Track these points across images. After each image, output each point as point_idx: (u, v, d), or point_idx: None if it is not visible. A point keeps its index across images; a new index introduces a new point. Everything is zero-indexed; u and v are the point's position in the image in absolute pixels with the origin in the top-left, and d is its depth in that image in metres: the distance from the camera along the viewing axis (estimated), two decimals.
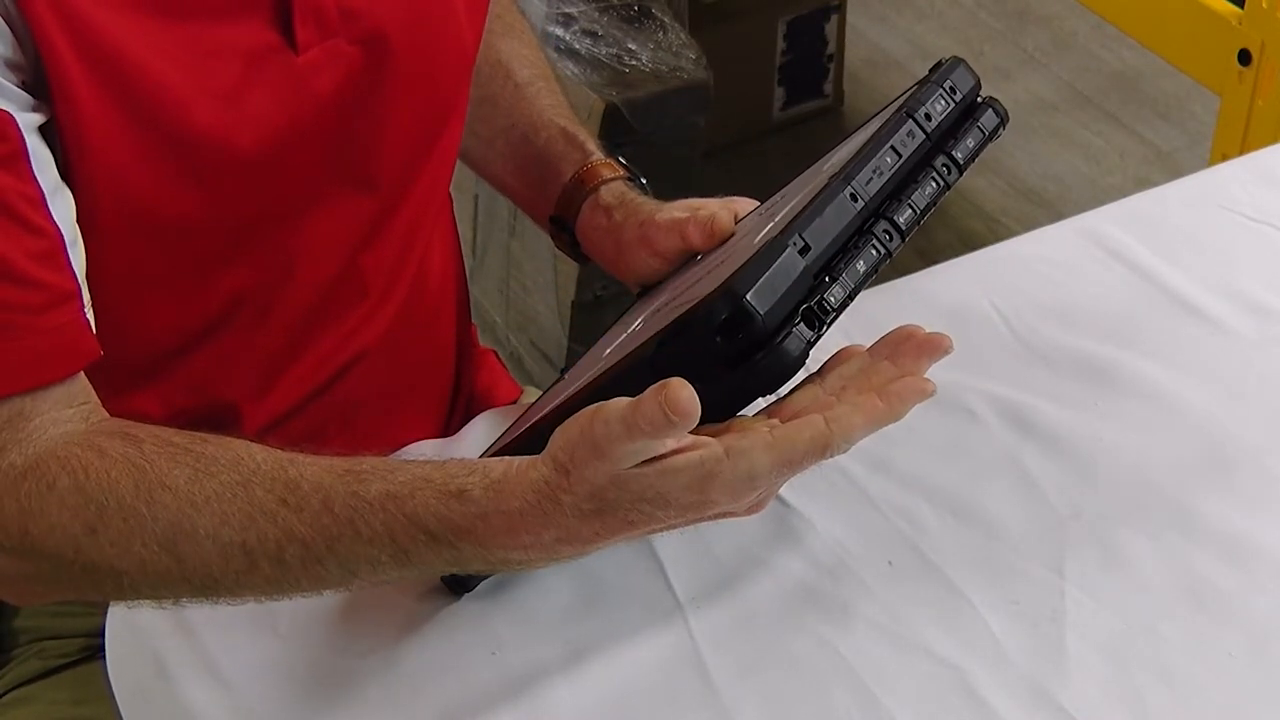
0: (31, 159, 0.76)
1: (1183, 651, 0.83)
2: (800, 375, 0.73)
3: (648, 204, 0.99)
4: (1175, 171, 2.23)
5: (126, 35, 0.79)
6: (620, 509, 0.69)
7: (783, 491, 0.91)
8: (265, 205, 0.89)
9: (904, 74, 2.67)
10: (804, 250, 0.72)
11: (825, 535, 0.89)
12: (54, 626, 1.01)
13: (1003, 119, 0.83)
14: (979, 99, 0.83)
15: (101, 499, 0.74)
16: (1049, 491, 0.92)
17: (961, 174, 0.80)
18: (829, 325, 0.73)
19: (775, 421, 0.71)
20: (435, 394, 1.10)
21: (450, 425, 1.11)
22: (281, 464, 0.75)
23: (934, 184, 0.79)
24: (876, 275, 0.76)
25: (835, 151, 0.86)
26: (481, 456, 0.88)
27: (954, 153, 0.80)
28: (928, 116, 0.80)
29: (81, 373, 0.80)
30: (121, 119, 0.80)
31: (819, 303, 0.72)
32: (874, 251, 0.75)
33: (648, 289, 0.98)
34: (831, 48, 2.55)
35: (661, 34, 1.96)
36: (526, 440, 0.83)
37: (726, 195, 0.96)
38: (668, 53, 1.94)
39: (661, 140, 1.93)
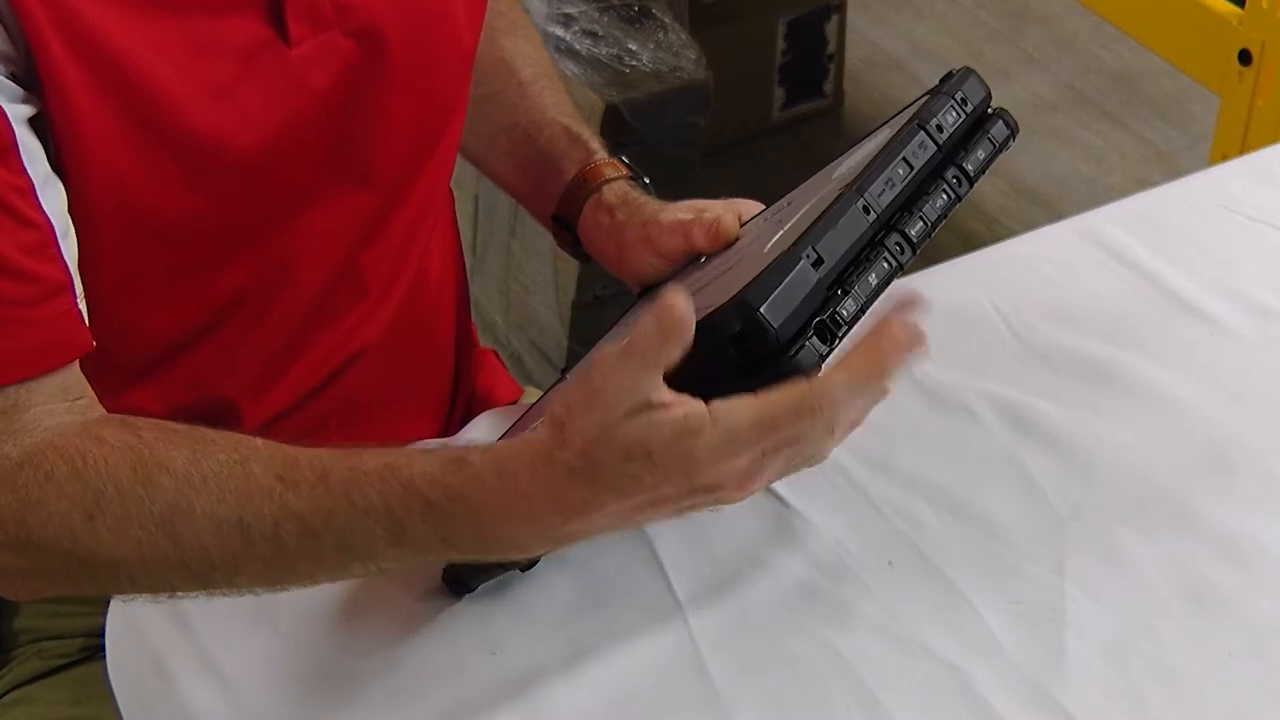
0: (21, 151, 0.76)
1: (1183, 651, 0.83)
2: None
3: (651, 204, 0.99)
4: (1175, 171, 2.23)
5: (117, 30, 0.79)
6: (609, 468, 0.68)
7: (783, 491, 0.91)
8: (262, 201, 0.89)
9: (904, 74, 2.67)
10: (817, 263, 0.73)
11: (825, 535, 0.89)
12: (54, 627, 1.01)
13: (1013, 130, 0.83)
14: (989, 110, 0.83)
15: (100, 485, 0.74)
16: (1049, 491, 0.92)
17: (972, 186, 0.80)
18: (841, 339, 0.73)
19: None
20: (435, 393, 1.10)
21: (450, 425, 1.11)
22: (281, 445, 0.75)
23: (945, 196, 0.79)
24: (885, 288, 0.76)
25: (843, 159, 0.86)
26: None
27: (965, 164, 0.80)
28: (939, 128, 0.80)
29: (76, 366, 0.80)
30: (113, 113, 0.80)
31: (832, 316, 0.72)
32: (885, 264, 0.75)
33: (649, 289, 0.98)
34: (831, 48, 2.55)
35: (661, 34, 1.96)
36: None
37: (727, 195, 0.96)
38: (668, 53, 1.94)
39: (661, 140, 1.93)
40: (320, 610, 0.85)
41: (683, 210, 0.95)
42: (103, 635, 0.86)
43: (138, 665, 0.84)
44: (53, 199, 0.78)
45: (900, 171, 0.77)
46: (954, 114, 0.80)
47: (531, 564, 0.85)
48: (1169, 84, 2.63)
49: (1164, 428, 0.96)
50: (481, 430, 0.99)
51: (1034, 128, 2.58)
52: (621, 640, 0.83)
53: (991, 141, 0.82)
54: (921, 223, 0.77)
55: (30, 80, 0.77)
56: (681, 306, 0.66)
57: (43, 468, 0.75)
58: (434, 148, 0.98)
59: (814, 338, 0.71)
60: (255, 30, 0.84)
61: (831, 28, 2.53)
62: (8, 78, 0.76)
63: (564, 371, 0.99)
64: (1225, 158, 1.68)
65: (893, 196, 0.77)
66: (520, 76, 1.08)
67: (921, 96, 0.83)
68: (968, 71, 0.83)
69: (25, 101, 0.77)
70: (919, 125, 0.79)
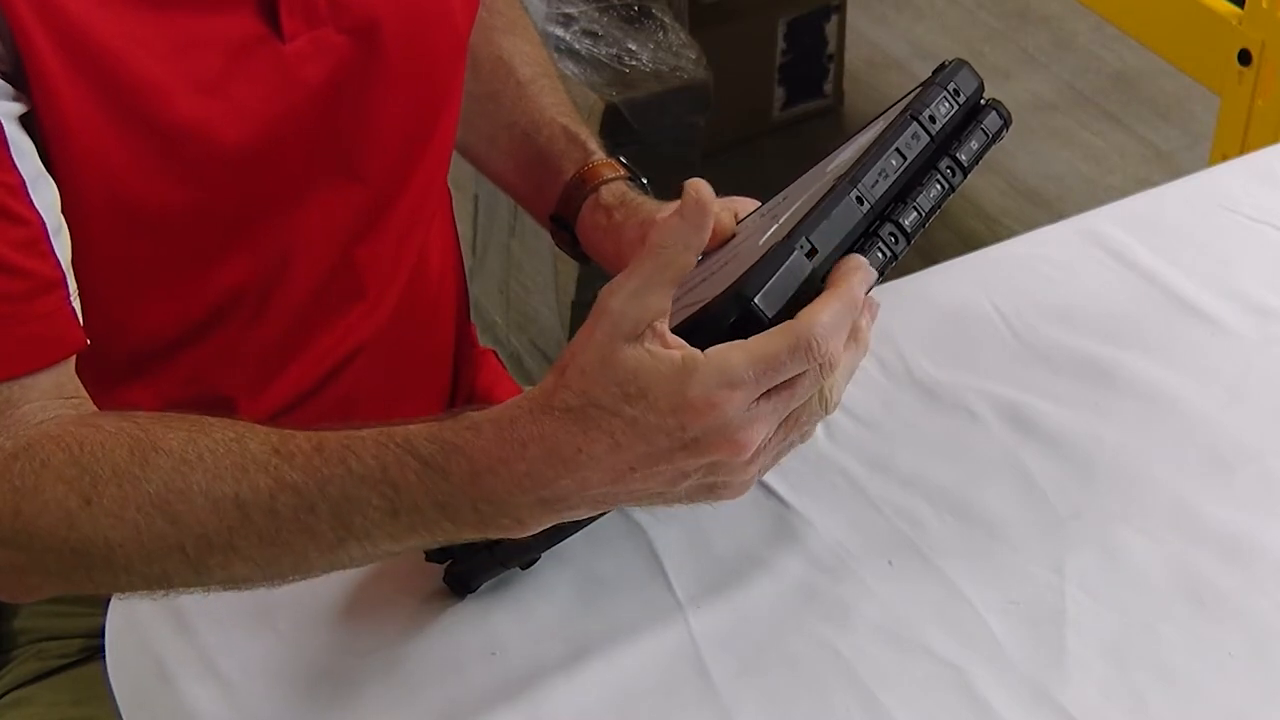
0: (11, 148, 0.76)
1: (1183, 651, 0.83)
2: None
3: (648, 204, 0.99)
4: (1175, 171, 2.23)
5: (105, 26, 0.79)
6: (605, 408, 0.67)
7: (783, 491, 0.91)
8: (254, 196, 0.89)
9: (904, 74, 2.67)
10: (811, 253, 0.73)
11: (825, 535, 0.89)
12: (53, 627, 1.01)
13: (1006, 121, 0.83)
14: (982, 101, 0.83)
15: (96, 468, 0.73)
16: (1049, 491, 0.92)
17: (966, 176, 0.81)
18: None
19: None
20: (433, 393, 1.10)
21: None
22: (274, 426, 0.75)
23: (938, 186, 0.79)
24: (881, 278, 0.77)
25: (837, 153, 0.86)
26: None
27: (958, 155, 0.80)
28: (932, 119, 0.80)
29: (70, 365, 0.80)
30: (101, 110, 0.80)
31: None
32: (879, 255, 0.75)
33: None
34: (831, 48, 2.55)
35: (661, 34, 1.96)
36: None
37: (726, 195, 0.96)
38: (668, 53, 1.94)
39: (661, 140, 1.93)
40: (320, 611, 0.85)
41: None
42: (103, 636, 0.86)
43: (138, 666, 0.84)
44: (45, 196, 0.78)
45: (893, 162, 0.78)
46: (947, 105, 0.81)
47: (531, 562, 0.85)
48: (1169, 84, 2.63)
49: (1164, 428, 0.96)
50: None
51: (1034, 128, 2.58)
52: (621, 640, 0.83)
53: (985, 132, 0.82)
54: (915, 213, 0.77)
55: (18, 78, 0.77)
56: (705, 189, 0.66)
57: (38, 456, 0.74)
58: (428, 140, 0.98)
59: None
60: (248, 26, 0.84)
61: (831, 28, 2.53)
62: None
63: None
64: (1225, 158, 1.68)
65: (886, 187, 0.77)
66: (519, 76, 1.08)
67: (915, 89, 0.84)
68: (960, 63, 0.83)
69: (14, 99, 0.77)
70: (912, 116, 0.80)
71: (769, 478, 0.92)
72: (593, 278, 1.91)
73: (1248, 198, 1.15)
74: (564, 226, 1.04)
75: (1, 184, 0.76)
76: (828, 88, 2.59)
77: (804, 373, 0.69)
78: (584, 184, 1.02)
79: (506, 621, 0.84)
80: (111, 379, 0.90)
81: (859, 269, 0.71)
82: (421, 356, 1.08)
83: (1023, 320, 1.04)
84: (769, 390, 0.68)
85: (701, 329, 0.71)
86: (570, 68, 1.90)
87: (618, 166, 1.03)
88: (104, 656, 0.86)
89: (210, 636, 0.84)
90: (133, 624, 0.85)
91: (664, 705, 0.80)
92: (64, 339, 0.79)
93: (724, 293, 0.71)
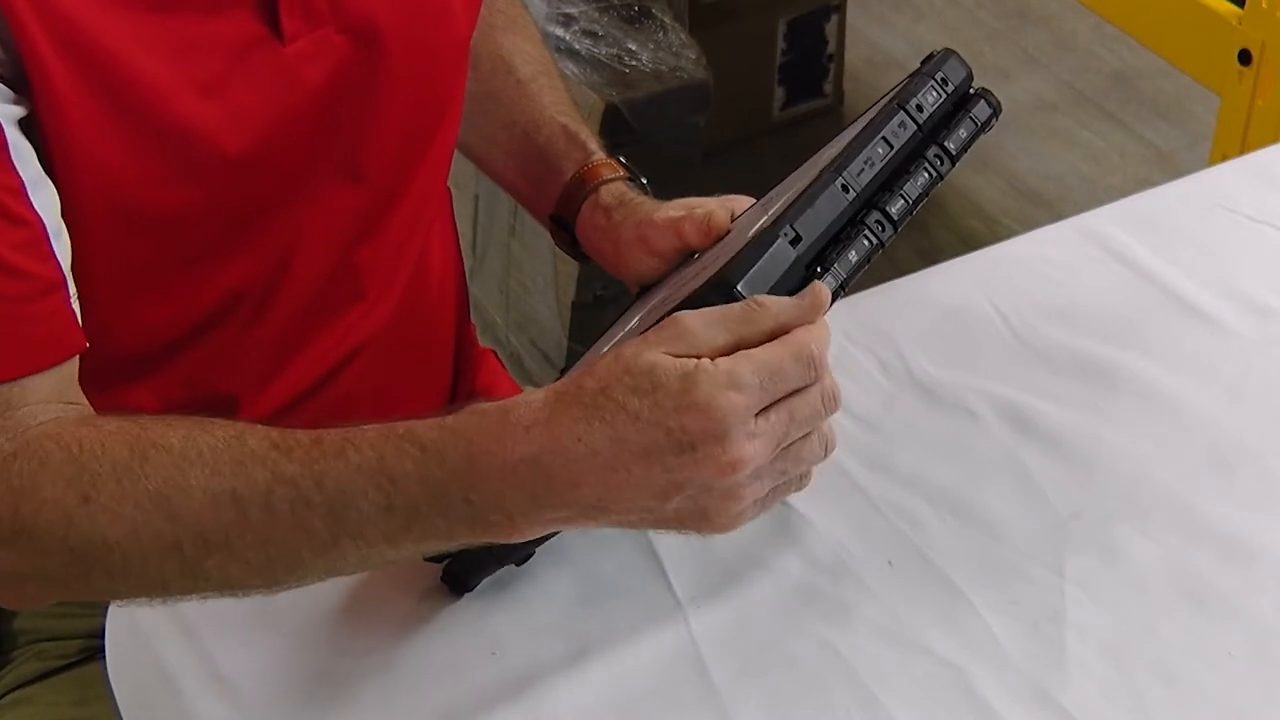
0: (12, 150, 0.76)
1: (1183, 651, 0.83)
2: None
3: (646, 204, 0.99)
4: (1175, 171, 2.23)
5: (106, 27, 0.79)
6: (614, 399, 0.68)
7: None
8: (255, 198, 0.89)
9: (903, 74, 2.65)
10: (795, 240, 0.73)
11: (825, 535, 0.89)
12: (53, 627, 1.01)
13: (995, 109, 0.83)
14: (971, 90, 0.83)
15: (95, 466, 0.73)
16: (1049, 491, 0.92)
17: (954, 164, 0.81)
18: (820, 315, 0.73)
19: None
20: (434, 393, 1.10)
21: None
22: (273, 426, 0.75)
23: (926, 174, 0.79)
24: (871, 268, 0.77)
25: (830, 146, 0.86)
26: None
27: (946, 143, 0.80)
28: (919, 108, 0.80)
29: (72, 367, 0.80)
30: (103, 112, 0.80)
31: None
32: (866, 242, 0.76)
33: (647, 288, 0.98)
34: (831, 48, 2.55)
35: (661, 34, 1.96)
36: None
37: (725, 195, 0.96)
38: (668, 53, 1.94)
39: (661, 140, 1.93)
40: (320, 611, 0.85)
41: (675, 208, 0.95)
42: (103, 636, 0.86)
43: (138, 666, 0.84)
44: (44, 198, 0.78)
45: (880, 151, 0.78)
46: (934, 94, 0.81)
47: (526, 558, 0.85)
48: (1169, 84, 2.63)
49: (1164, 428, 0.96)
50: None
51: (1034, 128, 2.58)
52: (621, 640, 0.83)
53: (974, 120, 0.82)
54: (902, 200, 0.78)
55: (19, 81, 0.77)
56: (825, 295, 0.70)
57: (37, 455, 0.74)
58: (430, 142, 0.98)
59: None
60: (249, 27, 0.84)
61: (831, 28, 2.53)
62: None
63: (563, 372, 0.99)
64: (1225, 158, 1.68)
65: (872, 175, 0.77)
66: (519, 75, 1.08)
67: (903, 80, 0.84)
68: (948, 52, 0.83)
69: (15, 103, 0.77)
70: (899, 105, 0.80)
71: None
72: (592, 278, 1.92)
73: (1248, 198, 1.14)
74: (564, 226, 1.04)
75: (2, 186, 0.76)
76: (828, 88, 2.59)
77: (804, 392, 0.70)
78: (584, 184, 1.02)
79: (506, 621, 0.84)
80: (112, 379, 0.90)
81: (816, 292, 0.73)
82: (422, 356, 1.08)
83: (1023, 320, 1.04)
84: (770, 406, 0.69)
85: None
86: (570, 68, 1.90)
87: (617, 167, 1.03)
88: (104, 657, 0.86)
89: (210, 636, 0.84)
90: (133, 624, 0.85)
91: (664, 705, 0.80)
92: (64, 341, 0.79)
93: (708, 280, 0.72)
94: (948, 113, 0.82)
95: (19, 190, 0.76)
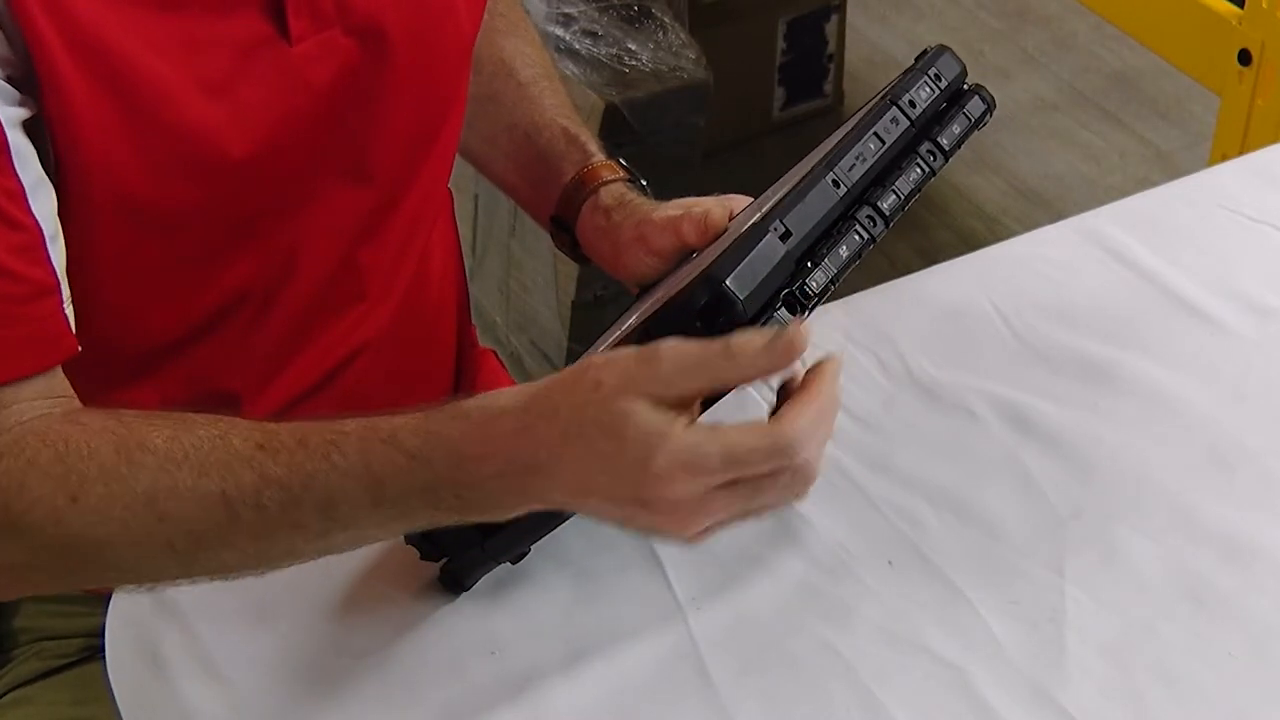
0: (13, 154, 0.76)
1: (1183, 651, 0.83)
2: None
3: (646, 205, 0.99)
4: (1175, 171, 2.23)
5: (116, 27, 0.79)
6: (585, 435, 0.69)
7: None
8: (260, 197, 0.89)
9: None
10: (785, 236, 0.73)
11: (825, 535, 0.89)
12: (54, 627, 1.01)
13: (989, 105, 0.83)
14: (965, 85, 0.83)
15: (83, 467, 0.74)
16: (1049, 491, 0.92)
17: (947, 160, 0.81)
18: (810, 311, 0.73)
19: None
20: (435, 394, 1.10)
21: None
22: (263, 421, 0.76)
23: (919, 170, 0.79)
24: (870, 268, 0.77)
25: (824, 144, 0.86)
26: None
27: (939, 139, 0.80)
28: (912, 103, 0.80)
29: (60, 372, 0.80)
30: (112, 111, 0.80)
31: (800, 288, 0.72)
32: (857, 237, 0.75)
33: (646, 288, 0.98)
34: (831, 48, 2.55)
35: (661, 34, 1.96)
36: None
37: (725, 194, 0.96)
38: (668, 53, 1.94)
39: (661, 140, 1.93)
40: (319, 610, 0.85)
41: (674, 208, 0.95)
42: (102, 635, 0.86)
43: (137, 665, 0.84)
44: (43, 203, 0.78)
45: (871, 146, 0.78)
46: (928, 90, 0.81)
47: (521, 556, 0.85)
48: (1169, 84, 2.62)
49: (1164, 428, 0.96)
50: None
51: (1034, 128, 2.58)
52: (621, 640, 0.83)
53: (967, 116, 0.82)
54: (894, 196, 0.77)
55: (28, 81, 0.78)
56: (801, 341, 0.67)
57: (24, 454, 0.75)
58: (433, 141, 0.98)
59: (782, 309, 0.72)
60: (256, 27, 0.84)
61: (831, 28, 2.53)
62: (3, 80, 0.76)
63: None
64: (1225, 158, 1.68)
65: (863, 171, 0.77)
66: (519, 77, 1.08)
67: (897, 76, 0.84)
68: (942, 48, 0.83)
69: (21, 104, 0.77)
70: (891, 101, 0.80)
71: None
72: (592, 278, 1.92)
73: (1248, 198, 1.15)
74: (564, 228, 1.04)
75: (2, 190, 0.76)
76: (828, 88, 2.59)
77: (774, 476, 0.70)
78: (583, 185, 1.02)
79: (506, 621, 0.84)
80: (115, 376, 0.90)
81: (835, 370, 0.72)
82: (423, 357, 1.08)
83: (1023, 320, 1.04)
84: (733, 483, 0.70)
85: (674, 312, 0.71)
86: (570, 68, 1.90)
87: (617, 168, 1.03)
88: (104, 656, 0.86)
89: (210, 636, 0.84)
90: (132, 623, 0.85)
91: (664, 705, 0.80)
92: (56, 345, 0.79)
93: (696, 276, 0.71)
94: (941, 108, 0.82)
95: (18, 194, 0.77)
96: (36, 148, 0.78)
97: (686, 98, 1.94)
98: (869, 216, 0.76)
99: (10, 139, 0.76)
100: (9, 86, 0.77)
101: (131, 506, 0.73)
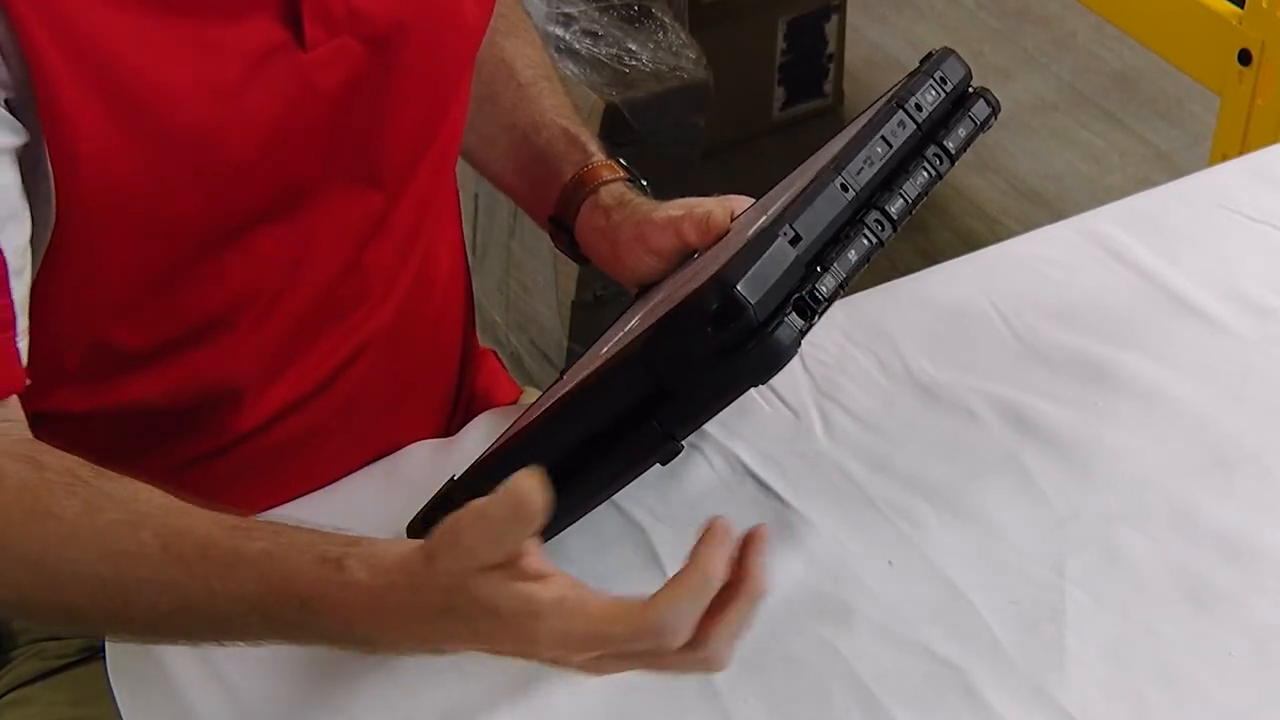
0: None
1: (1183, 651, 0.83)
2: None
3: (645, 204, 0.99)
4: (1175, 171, 2.22)
5: (121, 35, 0.79)
6: (462, 613, 0.68)
7: (783, 491, 0.91)
8: (266, 201, 0.89)
9: (904, 74, 2.66)
10: (795, 240, 0.73)
11: (825, 535, 0.89)
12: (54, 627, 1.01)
13: (994, 109, 0.83)
14: (970, 89, 0.83)
15: None
16: (1049, 491, 0.92)
17: (953, 163, 0.81)
18: (821, 314, 0.73)
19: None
20: (438, 394, 1.10)
21: (451, 426, 1.11)
22: (174, 512, 0.75)
23: (925, 173, 0.79)
24: (871, 268, 0.77)
25: (829, 146, 0.86)
26: (481, 456, 0.88)
27: (945, 142, 0.80)
28: (918, 107, 0.80)
29: (6, 408, 0.79)
30: (112, 122, 0.79)
31: (810, 292, 0.72)
32: (865, 241, 0.75)
33: (646, 289, 0.98)
34: (831, 48, 2.55)
35: (661, 34, 1.96)
36: (513, 443, 0.83)
37: (725, 195, 0.96)
38: (668, 53, 1.94)
39: (661, 140, 1.93)
40: None
41: (674, 208, 0.95)
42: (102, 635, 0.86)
43: (138, 665, 0.84)
44: (15, 236, 0.78)
45: (879, 150, 0.78)
46: (933, 93, 0.81)
47: None
48: (1169, 84, 2.62)
49: (1164, 428, 0.96)
50: (482, 431, 0.99)
51: (1034, 128, 2.57)
52: None
53: (973, 119, 0.82)
54: (902, 199, 0.77)
55: (22, 95, 0.77)
56: (534, 492, 0.64)
57: None
58: (433, 140, 0.98)
59: (792, 313, 0.71)
60: (271, 33, 0.84)
61: (831, 28, 2.53)
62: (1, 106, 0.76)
63: (563, 372, 0.99)
64: (1225, 158, 1.68)
65: (871, 175, 0.77)
66: (520, 78, 1.08)
67: (903, 79, 0.84)
68: (947, 51, 0.83)
69: (11, 131, 0.77)
70: (898, 104, 0.80)
71: (769, 477, 0.92)
72: (592, 278, 1.92)
73: (1248, 198, 1.15)
74: (563, 228, 1.04)
75: None
76: (828, 88, 2.59)
77: (657, 650, 0.68)
78: (583, 185, 1.02)
79: None
80: (117, 374, 0.90)
81: (716, 544, 0.69)
82: (426, 357, 1.08)
83: (1023, 320, 1.04)
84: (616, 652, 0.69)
85: (684, 318, 0.71)
86: (570, 68, 1.90)
87: (617, 168, 1.03)
88: (104, 656, 0.86)
89: None
90: None
91: (664, 705, 0.80)
92: (3, 379, 0.79)
93: (706, 281, 0.71)
94: (946, 112, 0.82)
95: None
96: (30, 167, 0.78)
97: (686, 98, 1.94)
98: (877, 220, 0.76)
99: None
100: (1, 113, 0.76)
101: (30, 573, 0.74)
